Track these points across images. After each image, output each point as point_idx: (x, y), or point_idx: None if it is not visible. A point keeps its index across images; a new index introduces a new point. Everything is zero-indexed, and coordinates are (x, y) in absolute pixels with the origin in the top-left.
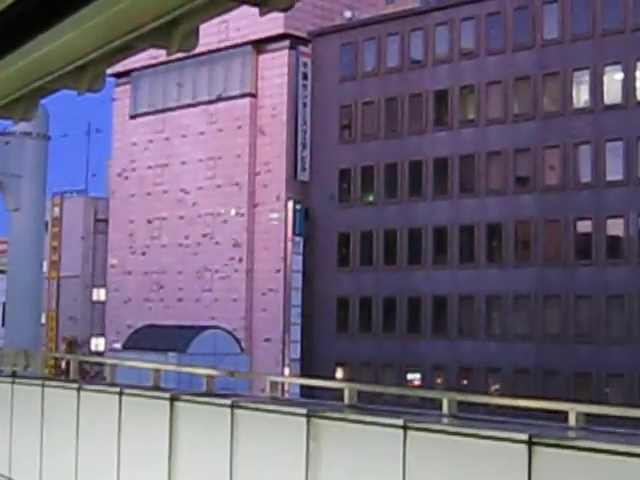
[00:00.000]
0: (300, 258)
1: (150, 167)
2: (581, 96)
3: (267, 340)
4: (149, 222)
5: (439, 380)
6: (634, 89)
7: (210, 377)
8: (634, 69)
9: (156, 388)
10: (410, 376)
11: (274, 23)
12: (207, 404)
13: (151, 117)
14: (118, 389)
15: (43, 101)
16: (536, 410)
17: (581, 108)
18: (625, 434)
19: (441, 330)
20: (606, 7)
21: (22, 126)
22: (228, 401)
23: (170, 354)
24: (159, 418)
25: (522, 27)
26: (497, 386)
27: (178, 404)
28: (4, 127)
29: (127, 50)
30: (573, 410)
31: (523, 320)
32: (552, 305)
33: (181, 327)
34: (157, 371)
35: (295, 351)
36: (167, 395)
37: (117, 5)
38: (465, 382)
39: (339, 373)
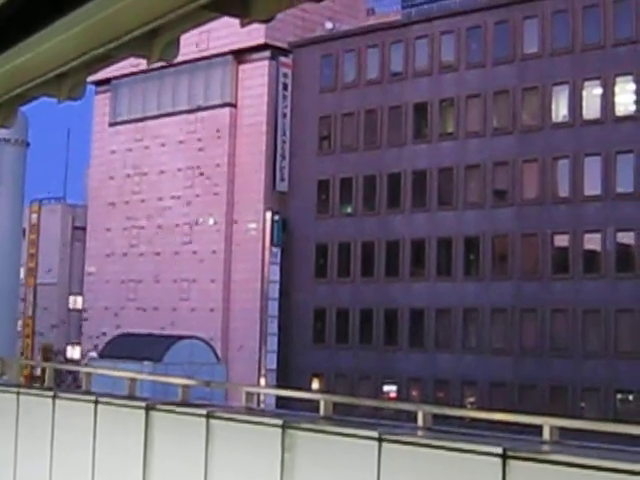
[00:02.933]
0: (277, 268)
1: (129, 175)
2: (560, 110)
3: (243, 350)
4: (127, 230)
5: (415, 392)
6: (613, 104)
7: (186, 387)
8: (613, 84)
9: (131, 397)
10: (386, 388)
11: (255, 33)
12: (183, 414)
13: (130, 125)
14: (93, 398)
15: (22, 107)
16: (511, 424)
17: (560, 122)
18: (598, 448)
19: (418, 342)
20: (586, 22)
21: (1, 132)
22: (204, 411)
23: (146, 363)
24: (134, 427)
25: (502, 41)
26: (473, 399)
27: (153, 413)
28: None
29: (108, 59)
30: (547, 424)
31: (500, 333)
32: (529, 319)
33: (157, 336)
34: (132, 380)
35: (272, 361)
36: (143, 404)
37: (98, 14)
38: (441, 395)
39: (315, 384)
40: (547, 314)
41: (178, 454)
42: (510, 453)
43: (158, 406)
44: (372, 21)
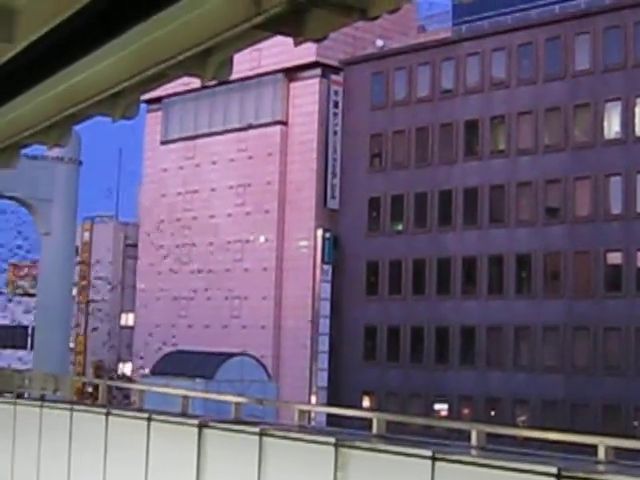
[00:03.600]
0: (328, 286)
1: (180, 193)
2: (612, 127)
3: (294, 367)
4: (178, 248)
5: (466, 411)
6: None
7: (238, 404)
8: None
9: (185, 415)
10: (437, 406)
11: (306, 51)
12: (236, 431)
13: (182, 143)
14: (147, 415)
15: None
16: (563, 443)
17: (612, 139)
18: None
19: (469, 360)
20: (638, 38)
21: (54, 151)
22: (257, 429)
23: (197, 380)
24: (187, 445)
25: (553, 57)
26: (524, 417)
27: (206, 431)
28: (34, 151)
29: (162, 78)
30: (602, 444)
31: (552, 351)
32: (581, 337)
33: (209, 353)
34: (186, 397)
35: (322, 379)
36: (196, 422)
37: (152, 34)
38: (492, 413)
39: (366, 402)
40: (599, 332)
41: (231, 472)
42: (565, 473)
43: (211, 424)
44: (423, 39)
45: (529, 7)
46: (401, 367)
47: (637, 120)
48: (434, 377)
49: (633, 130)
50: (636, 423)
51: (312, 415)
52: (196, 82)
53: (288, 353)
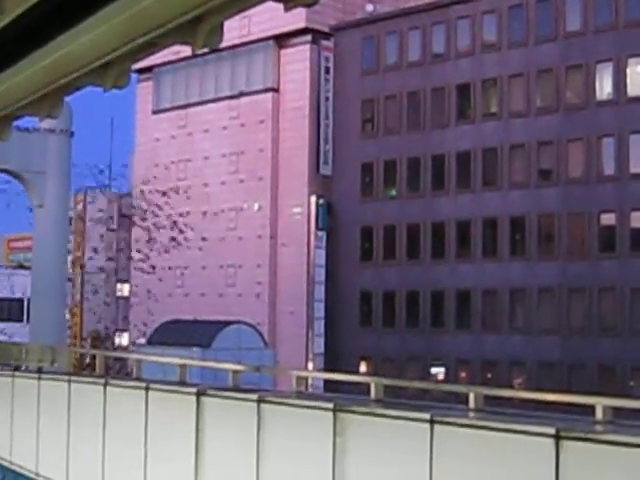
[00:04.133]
0: (323, 252)
1: (173, 162)
2: (604, 88)
3: (291, 334)
4: (172, 217)
5: (463, 374)
6: None
7: (236, 372)
8: None
9: (182, 383)
10: (434, 370)
11: (296, 17)
12: (234, 399)
13: (173, 112)
14: (144, 384)
15: (66, 97)
16: (560, 404)
17: (604, 100)
18: None
19: (465, 324)
20: None
21: (46, 123)
22: (255, 396)
23: (194, 349)
24: (186, 413)
25: (544, 19)
26: (521, 379)
27: (205, 399)
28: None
29: (152, 47)
30: (600, 404)
31: (547, 313)
32: (576, 298)
33: (205, 322)
34: (183, 366)
35: (319, 345)
36: (194, 390)
37: (141, 2)
38: (489, 376)
39: (363, 367)
40: (594, 293)
41: (230, 439)
42: (563, 434)
43: (209, 392)
44: (413, 3)
45: None
46: (397, 332)
47: (629, 80)
48: (430, 341)
49: (625, 91)
50: (632, 383)
51: (309, 381)
52: (186, 51)
53: (284, 320)
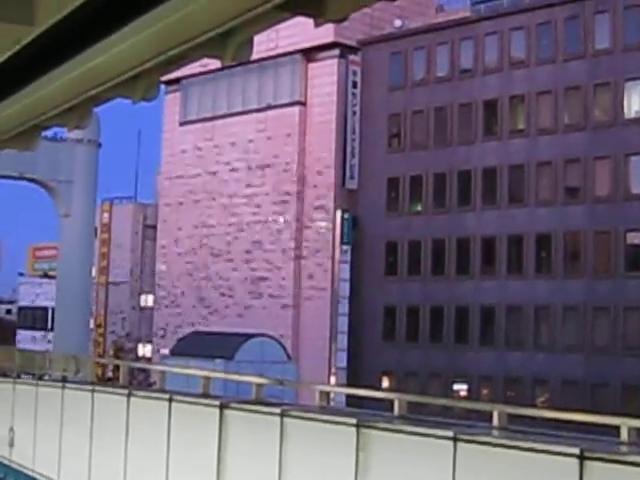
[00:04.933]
0: (348, 267)
1: (199, 174)
2: (632, 106)
3: (314, 348)
4: (197, 229)
5: (485, 391)
6: None
7: (260, 385)
8: None
9: (206, 395)
10: (457, 386)
11: (324, 32)
12: (257, 412)
13: (200, 124)
14: (168, 396)
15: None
16: (584, 424)
17: (632, 118)
18: None
19: (488, 341)
20: None
21: (74, 133)
22: (278, 410)
23: (217, 361)
24: (208, 425)
25: (573, 37)
26: (544, 398)
27: (228, 412)
28: (53, 133)
29: (182, 59)
30: (625, 424)
31: (572, 331)
32: (601, 317)
33: (228, 334)
34: (207, 378)
35: (342, 360)
36: (217, 403)
37: (172, 15)
38: (512, 393)
39: (385, 382)
40: (620, 312)
41: (252, 452)
42: (587, 454)
43: (232, 404)
44: (441, 18)
45: None
46: (420, 347)
47: None
48: (453, 357)
49: None
50: None
51: (332, 396)
52: (214, 63)
53: (308, 334)
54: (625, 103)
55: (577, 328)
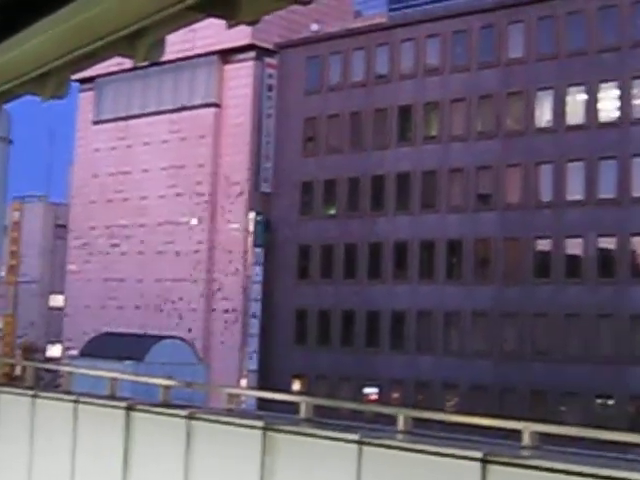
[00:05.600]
0: (260, 269)
1: (112, 174)
2: (544, 116)
3: (225, 350)
4: (109, 229)
5: (396, 395)
6: (596, 110)
7: (167, 387)
8: (597, 91)
9: (112, 397)
10: (367, 390)
11: (240, 34)
12: (163, 414)
13: (114, 124)
14: (74, 397)
15: (5, 105)
16: (493, 428)
17: (544, 128)
18: (578, 454)
19: (399, 345)
20: (571, 28)
21: None
22: (184, 412)
23: (127, 362)
24: (115, 428)
25: (487, 45)
26: (454, 402)
27: (134, 414)
28: None
29: (93, 58)
30: (527, 429)
31: (481, 337)
32: (510, 323)
33: (139, 335)
34: (114, 380)
35: (253, 362)
36: (123, 404)
37: (83, 13)
38: (422, 397)
39: (296, 385)
40: (528, 318)
41: (158, 455)
42: (490, 458)
43: (139, 407)
44: (358, 24)
45: None
46: (331, 351)
47: (568, 109)
48: (364, 361)
49: (564, 119)
50: (563, 408)
51: (242, 399)
52: (130, 62)
53: (219, 336)
54: (537, 112)
55: (486, 333)
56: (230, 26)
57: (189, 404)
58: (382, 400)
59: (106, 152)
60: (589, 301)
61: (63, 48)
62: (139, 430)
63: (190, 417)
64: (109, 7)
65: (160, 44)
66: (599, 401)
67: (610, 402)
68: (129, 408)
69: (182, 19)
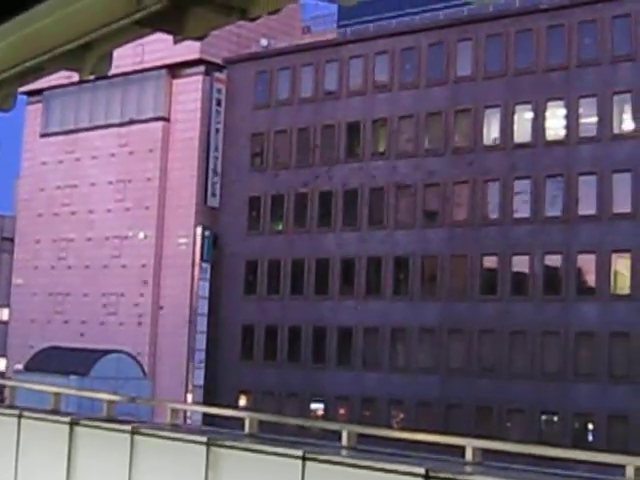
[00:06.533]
0: (207, 284)
1: (59, 187)
2: (492, 133)
3: (171, 365)
4: (56, 242)
5: (342, 411)
6: (543, 129)
7: (111, 402)
8: (544, 109)
9: (56, 412)
10: (313, 406)
11: (189, 48)
12: (107, 429)
13: (62, 137)
14: (17, 412)
15: None
16: (437, 444)
17: (491, 145)
18: (520, 470)
19: (346, 361)
20: (519, 47)
21: None
22: (128, 427)
23: (72, 377)
24: (58, 442)
25: (436, 63)
26: (400, 418)
27: (78, 429)
28: None
29: (39, 71)
30: (470, 445)
31: (427, 353)
32: (456, 339)
33: (84, 350)
34: (57, 395)
35: (199, 377)
36: (67, 419)
37: (29, 26)
38: (368, 413)
39: (242, 401)
40: (474, 335)
41: (102, 470)
42: (432, 473)
43: (82, 421)
44: (308, 39)
45: (414, 12)
46: (278, 366)
47: (516, 127)
48: (311, 377)
49: (512, 137)
50: (509, 424)
51: (188, 414)
52: (78, 75)
53: (165, 351)
54: (484, 130)
55: (433, 349)
56: (177, 41)
57: (134, 419)
58: (328, 416)
59: (53, 165)
60: (535, 318)
61: (10, 61)
62: (83, 445)
63: (134, 432)
64: (56, 20)
65: (107, 58)
66: (544, 417)
67: (555, 418)
68: (73, 423)
69: (129, 33)
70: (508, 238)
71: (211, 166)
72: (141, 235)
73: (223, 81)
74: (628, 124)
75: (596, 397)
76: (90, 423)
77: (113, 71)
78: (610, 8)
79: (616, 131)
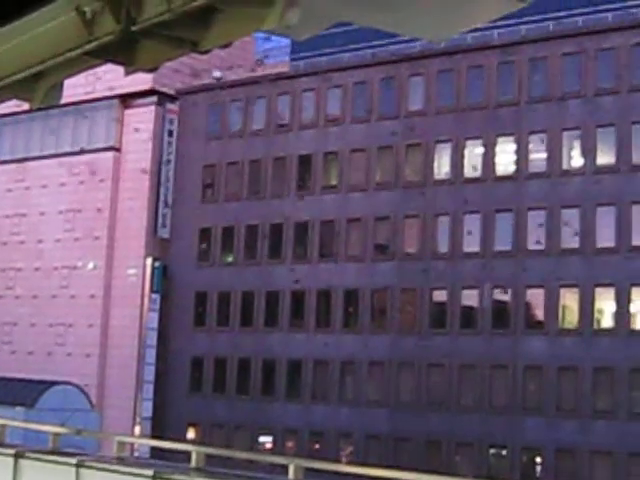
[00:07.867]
0: (156, 316)
1: (8, 216)
2: (442, 168)
3: (119, 397)
4: (3, 272)
5: (291, 444)
6: (494, 164)
7: (56, 434)
8: (494, 144)
9: (0, 444)
10: (262, 439)
11: (142, 78)
12: (52, 462)
13: (12, 165)
14: None
15: None
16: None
17: (442, 180)
18: None
19: (295, 393)
20: (470, 83)
21: None
22: (73, 460)
23: (17, 408)
24: (2, 474)
25: (387, 97)
26: (349, 451)
27: (23, 461)
28: None
29: None
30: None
31: (376, 386)
32: (406, 372)
33: (30, 381)
34: (2, 426)
35: (147, 409)
36: (12, 452)
37: None
38: (317, 446)
39: (191, 433)
40: (423, 368)
41: None
42: None
43: (27, 454)
44: (260, 72)
45: (366, 46)
46: (227, 399)
47: (466, 162)
48: (260, 410)
49: (462, 171)
50: (457, 458)
51: (135, 446)
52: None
53: (113, 382)
54: (435, 164)
55: (382, 383)
56: (127, 73)
57: (79, 452)
58: (277, 449)
59: (2, 193)
60: (484, 352)
61: None
62: (27, 477)
63: (79, 465)
64: (5, 50)
65: (58, 88)
66: (493, 451)
67: (503, 452)
68: (18, 455)
69: (81, 64)
70: (457, 272)
71: (162, 197)
72: (90, 265)
73: (175, 112)
74: (577, 160)
75: (544, 431)
76: (35, 455)
77: (65, 100)
78: (560, 45)
79: (565, 167)
